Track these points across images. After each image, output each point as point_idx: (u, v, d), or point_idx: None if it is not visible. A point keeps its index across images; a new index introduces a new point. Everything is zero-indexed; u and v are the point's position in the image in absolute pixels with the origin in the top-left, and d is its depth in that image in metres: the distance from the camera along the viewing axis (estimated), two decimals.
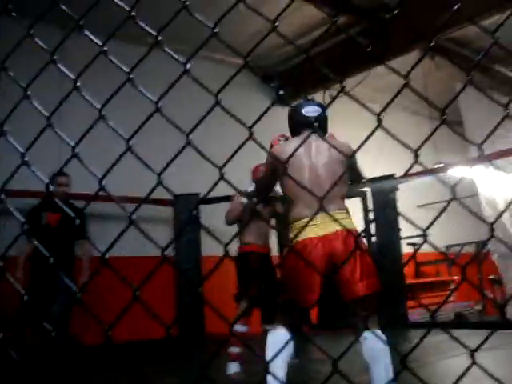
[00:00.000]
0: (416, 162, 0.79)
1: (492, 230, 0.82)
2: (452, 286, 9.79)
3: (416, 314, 8.17)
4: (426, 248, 0.97)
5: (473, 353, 0.74)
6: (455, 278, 10.03)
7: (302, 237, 2.89)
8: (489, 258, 8.65)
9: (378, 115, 0.82)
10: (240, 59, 1.04)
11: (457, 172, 7.41)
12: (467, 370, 0.75)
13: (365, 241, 7.53)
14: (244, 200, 4.89)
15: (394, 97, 0.85)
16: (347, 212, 3.08)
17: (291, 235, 3.07)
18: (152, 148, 5.86)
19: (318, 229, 2.86)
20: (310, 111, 3.25)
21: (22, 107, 1.22)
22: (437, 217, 0.83)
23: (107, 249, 0.94)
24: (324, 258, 2.83)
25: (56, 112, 1.10)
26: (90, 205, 6.32)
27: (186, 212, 7.70)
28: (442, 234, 9.59)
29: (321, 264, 2.83)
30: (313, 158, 3.06)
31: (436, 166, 9.73)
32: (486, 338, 0.76)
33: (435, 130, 0.86)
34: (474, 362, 0.75)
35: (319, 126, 3.26)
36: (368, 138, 0.83)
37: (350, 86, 9.02)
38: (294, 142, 3.21)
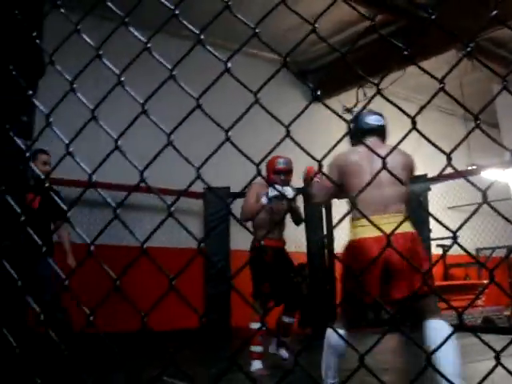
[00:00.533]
0: (449, 164, 0.80)
1: None
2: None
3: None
4: (455, 250, 0.98)
5: (498, 354, 0.76)
6: (484, 282, 9.89)
7: (358, 236, 3.10)
8: None
9: (413, 118, 0.83)
10: (274, 54, 1.05)
11: (490, 174, 7.31)
12: (492, 370, 0.76)
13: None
14: (264, 201, 4.78)
15: (429, 101, 0.86)
16: (405, 215, 3.19)
17: (350, 234, 3.23)
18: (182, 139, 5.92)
19: (374, 229, 2.92)
20: (373, 120, 3.43)
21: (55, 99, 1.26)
22: (467, 219, 0.84)
23: (146, 238, 0.98)
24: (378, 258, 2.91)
25: (93, 104, 1.14)
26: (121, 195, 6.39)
27: (218, 205, 7.75)
28: (472, 237, 9.48)
29: (376, 263, 2.94)
30: (374, 163, 3.17)
31: (469, 168, 9.60)
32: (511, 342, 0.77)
33: (468, 134, 0.87)
34: (498, 363, 0.76)
35: (381, 134, 3.45)
36: (402, 140, 0.84)
37: (385, 84, 8.94)
38: (358, 149, 3.40)
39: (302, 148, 0.88)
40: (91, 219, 5.51)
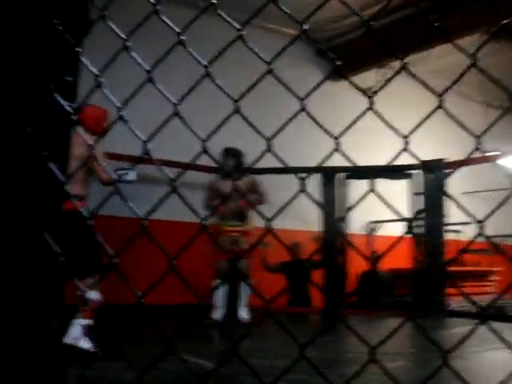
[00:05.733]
0: (477, 148, 0.75)
1: None
2: (493, 277, 9.56)
3: (453, 302, 8.02)
4: (466, 236, 0.92)
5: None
6: (497, 269, 9.78)
7: None
8: None
9: (441, 95, 0.77)
10: (293, 30, 0.97)
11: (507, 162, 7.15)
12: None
13: None
14: None
15: (461, 75, 0.80)
16: None
17: None
18: (199, 112, 5.87)
19: None
20: None
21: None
22: (496, 207, 0.78)
23: (147, 214, 0.93)
24: None
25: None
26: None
27: None
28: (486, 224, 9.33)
29: None
30: None
31: (493, 154, 9.39)
32: None
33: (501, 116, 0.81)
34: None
35: None
36: (426, 118, 0.78)
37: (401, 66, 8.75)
38: None
39: (317, 123, 0.82)
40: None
